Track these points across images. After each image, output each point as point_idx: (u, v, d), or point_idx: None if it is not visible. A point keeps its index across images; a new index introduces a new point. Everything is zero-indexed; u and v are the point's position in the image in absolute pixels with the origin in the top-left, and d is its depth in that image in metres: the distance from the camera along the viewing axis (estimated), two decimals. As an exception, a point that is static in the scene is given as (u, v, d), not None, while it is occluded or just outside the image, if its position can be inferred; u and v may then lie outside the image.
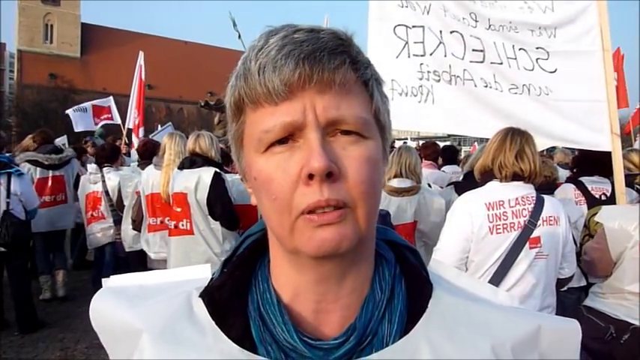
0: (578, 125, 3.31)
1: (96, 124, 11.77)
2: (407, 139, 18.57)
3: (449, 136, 34.80)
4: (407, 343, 0.62)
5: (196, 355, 0.62)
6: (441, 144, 8.42)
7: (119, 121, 11.15)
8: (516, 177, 2.54)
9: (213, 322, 0.65)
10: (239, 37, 13.44)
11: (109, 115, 11.71)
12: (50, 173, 6.20)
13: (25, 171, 5.71)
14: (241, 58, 0.63)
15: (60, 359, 4.76)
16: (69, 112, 12.12)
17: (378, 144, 0.64)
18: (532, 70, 3.35)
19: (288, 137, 0.59)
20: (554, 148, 8.82)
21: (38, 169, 6.11)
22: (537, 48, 3.36)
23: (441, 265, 0.77)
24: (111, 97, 12.47)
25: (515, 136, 2.59)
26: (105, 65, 66.89)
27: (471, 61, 3.30)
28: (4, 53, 68.60)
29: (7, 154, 5.97)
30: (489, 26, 3.34)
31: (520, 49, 3.35)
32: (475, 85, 3.29)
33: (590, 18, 3.35)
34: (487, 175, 2.65)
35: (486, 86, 3.30)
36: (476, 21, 3.33)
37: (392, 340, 0.63)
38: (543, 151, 8.77)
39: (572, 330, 0.69)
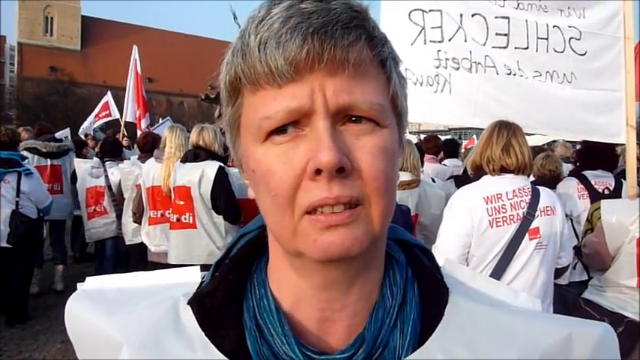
0: (595, 116, 3.22)
1: (97, 119, 11.97)
2: (406, 132, 18.46)
3: (449, 129, 34.76)
4: (422, 356, 0.56)
5: None
6: (442, 137, 8.39)
7: (117, 116, 11.18)
8: (504, 170, 2.53)
9: (203, 334, 0.58)
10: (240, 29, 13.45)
11: (108, 112, 11.81)
12: (48, 162, 6.23)
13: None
14: (239, 31, 0.54)
15: (61, 352, 4.77)
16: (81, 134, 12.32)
17: (394, 133, 0.56)
18: (562, 51, 3.21)
19: (291, 125, 0.52)
20: (554, 140, 8.75)
21: (36, 157, 6.13)
22: (570, 27, 3.22)
23: (456, 265, 0.69)
24: (108, 92, 12.52)
25: (503, 130, 2.57)
26: (105, 58, 66.59)
27: (493, 47, 3.14)
28: (4, 46, 68.33)
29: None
30: (518, 5, 3.18)
31: (554, 26, 3.20)
32: (497, 73, 3.13)
33: (617, 2, 3.25)
34: (479, 170, 2.64)
35: (509, 73, 3.15)
36: None
37: (405, 353, 0.56)
38: (544, 144, 8.76)
39: (606, 334, 0.63)
